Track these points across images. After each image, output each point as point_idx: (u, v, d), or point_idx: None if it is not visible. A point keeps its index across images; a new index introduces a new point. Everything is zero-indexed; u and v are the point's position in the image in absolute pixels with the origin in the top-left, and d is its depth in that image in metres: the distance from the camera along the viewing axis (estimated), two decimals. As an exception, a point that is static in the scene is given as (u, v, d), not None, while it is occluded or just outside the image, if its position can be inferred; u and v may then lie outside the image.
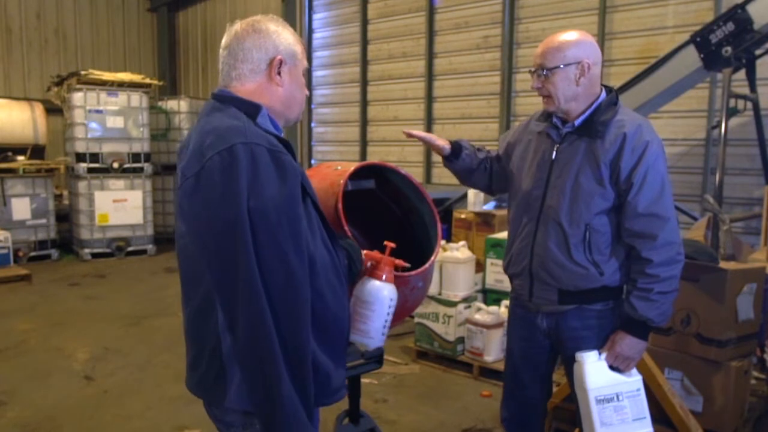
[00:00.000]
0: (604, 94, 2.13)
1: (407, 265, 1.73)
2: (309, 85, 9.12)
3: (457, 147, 2.35)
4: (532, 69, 2.13)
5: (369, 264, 1.69)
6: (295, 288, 1.37)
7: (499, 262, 4.23)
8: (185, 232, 1.49)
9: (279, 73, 1.56)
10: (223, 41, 1.58)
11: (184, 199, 1.44)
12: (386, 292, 1.65)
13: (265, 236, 1.35)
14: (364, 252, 1.70)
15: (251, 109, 1.51)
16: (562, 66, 2.04)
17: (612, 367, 2.09)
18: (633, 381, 2.10)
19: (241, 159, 1.36)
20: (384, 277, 1.66)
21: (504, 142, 2.42)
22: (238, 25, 1.57)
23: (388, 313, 1.66)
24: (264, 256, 1.35)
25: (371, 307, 1.64)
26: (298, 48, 1.60)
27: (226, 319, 1.40)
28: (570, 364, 2.16)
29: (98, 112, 7.92)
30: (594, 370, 2.05)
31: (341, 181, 1.87)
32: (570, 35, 2.08)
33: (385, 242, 1.70)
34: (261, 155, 1.38)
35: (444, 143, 2.34)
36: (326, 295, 1.48)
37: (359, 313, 1.65)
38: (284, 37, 1.57)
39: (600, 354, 2.08)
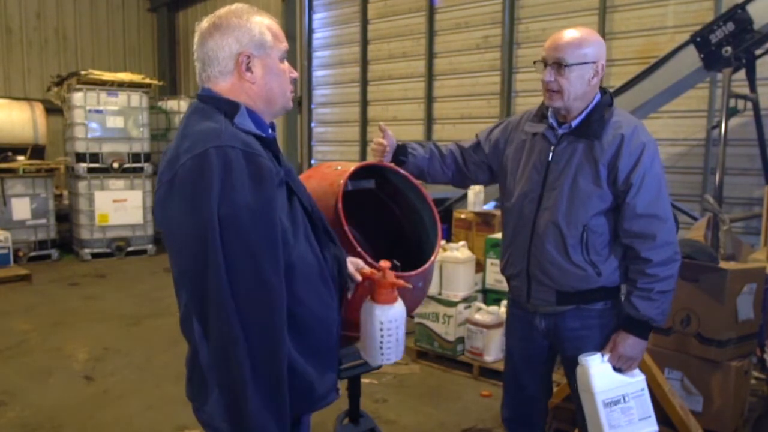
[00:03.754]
0: (599, 95, 2.12)
1: (408, 286, 1.69)
2: (309, 85, 9.13)
3: (400, 152, 2.28)
4: (544, 61, 2.07)
5: (366, 283, 1.65)
6: (267, 297, 1.33)
7: (499, 261, 4.23)
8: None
9: (249, 69, 1.46)
10: (194, 43, 1.51)
11: (158, 206, 1.41)
12: (376, 315, 1.62)
13: (237, 244, 1.30)
14: (361, 269, 1.65)
15: (230, 109, 1.43)
16: (580, 63, 2.02)
17: (614, 368, 2.09)
18: (637, 381, 2.10)
19: (213, 164, 1.30)
20: (379, 299, 1.62)
21: (490, 135, 2.36)
22: (203, 24, 1.49)
23: (381, 335, 1.63)
24: (236, 266, 1.30)
25: (364, 325, 1.64)
26: (268, 35, 1.48)
27: (201, 329, 1.37)
28: (570, 365, 2.16)
29: (98, 112, 7.91)
30: (599, 373, 2.05)
31: (341, 181, 1.87)
32: (587, 32, 2.07)
33: (381, 262, 1.65)
34: (235, 159, 1.31)
35: (386, 157, 2.25)
36: (308, 300, 1.44)
37: (361, 329, 1.66)
38: (248, 28, 1.46)
39: (603, 356, 2.08)
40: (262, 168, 1.35)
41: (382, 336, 1.63)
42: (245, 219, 1.30)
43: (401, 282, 1.63)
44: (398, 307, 1.64)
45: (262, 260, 1.32)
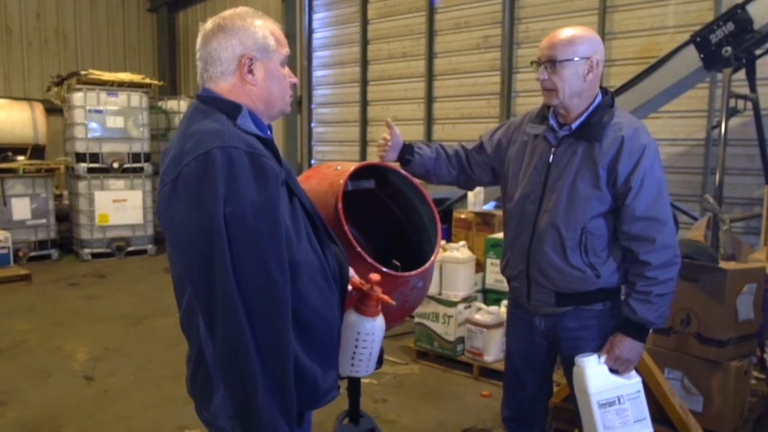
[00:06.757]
0: (600, 95, 2.12)
1: (392, 303, 1.67)
2: (309, 85, 9.13)
3: (407, 151, 2.29)
4: (539, 61, 2.09)
5: (354, 292, 1.65)
6: (274, 294, 1.34)
7: (499, 261, 4.23)
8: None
9: (251, 71, 1.49)
10: (197, 43, 1.53)
11: (162, 205, 1.41)
12: (355, 326, 1.62)
13: (242, 243, 1.31)
14: (352, 279, 1.65)
15: (232, 110, 1.45)
16: (573, 59, 2.02)
17: (611, 370, 2.08)
18: (633, 383, 2.10)
19: (218, 164, 1.31)
20: (361, 310, 1.62)
21: (493, 136, 2.36)
22: (207, 25, 1.51)
23: (355, 346, 1.63)
24: (242, 264, 1.32)
25: (342, 334, 1.63)
26: (271, 39, 1.51)
27: (207, 327, 1.38)
28: (569, 365, 2.16)
29: (98, 112, 7.91)
30: (595, 374, 2.05)
31: (341, 181, 1.87)
32: (580, 30, 2.07)
33: (370, 275, 1.64)
34: (239, 159, 1.33)
35: (391, 154, 2.27)
36: (312, 298, 1.45)
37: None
38: (252, 31, 1.48)
39: (599, 357, 2.08)
40: (266, 168, 1.36)
41: (356, 347, 1.63)
42: (250, 218, 1.32)
43: (386, 298, 1.62)
44: (378, 322, 1.64)
45: (268, 258, 1.33)
